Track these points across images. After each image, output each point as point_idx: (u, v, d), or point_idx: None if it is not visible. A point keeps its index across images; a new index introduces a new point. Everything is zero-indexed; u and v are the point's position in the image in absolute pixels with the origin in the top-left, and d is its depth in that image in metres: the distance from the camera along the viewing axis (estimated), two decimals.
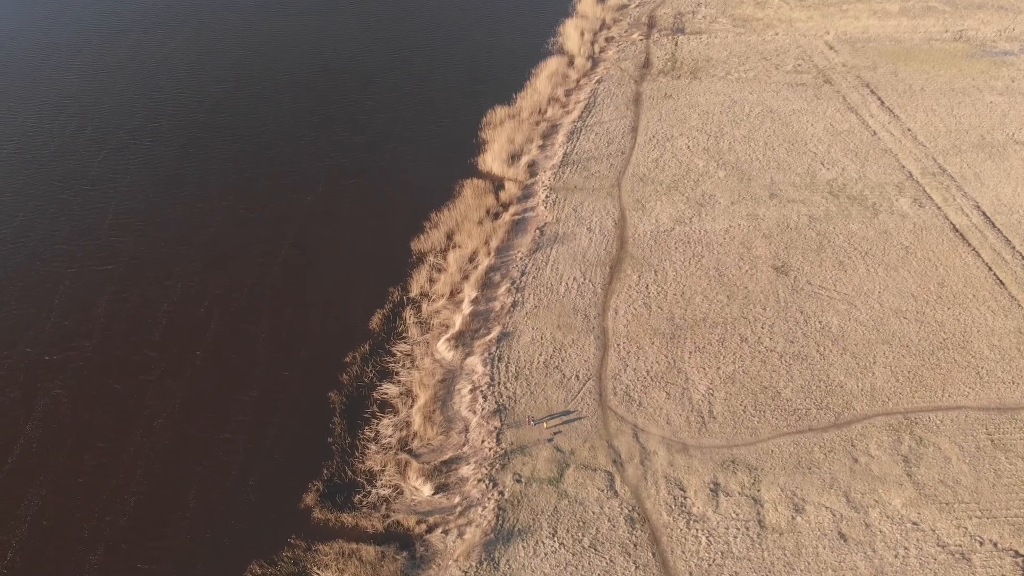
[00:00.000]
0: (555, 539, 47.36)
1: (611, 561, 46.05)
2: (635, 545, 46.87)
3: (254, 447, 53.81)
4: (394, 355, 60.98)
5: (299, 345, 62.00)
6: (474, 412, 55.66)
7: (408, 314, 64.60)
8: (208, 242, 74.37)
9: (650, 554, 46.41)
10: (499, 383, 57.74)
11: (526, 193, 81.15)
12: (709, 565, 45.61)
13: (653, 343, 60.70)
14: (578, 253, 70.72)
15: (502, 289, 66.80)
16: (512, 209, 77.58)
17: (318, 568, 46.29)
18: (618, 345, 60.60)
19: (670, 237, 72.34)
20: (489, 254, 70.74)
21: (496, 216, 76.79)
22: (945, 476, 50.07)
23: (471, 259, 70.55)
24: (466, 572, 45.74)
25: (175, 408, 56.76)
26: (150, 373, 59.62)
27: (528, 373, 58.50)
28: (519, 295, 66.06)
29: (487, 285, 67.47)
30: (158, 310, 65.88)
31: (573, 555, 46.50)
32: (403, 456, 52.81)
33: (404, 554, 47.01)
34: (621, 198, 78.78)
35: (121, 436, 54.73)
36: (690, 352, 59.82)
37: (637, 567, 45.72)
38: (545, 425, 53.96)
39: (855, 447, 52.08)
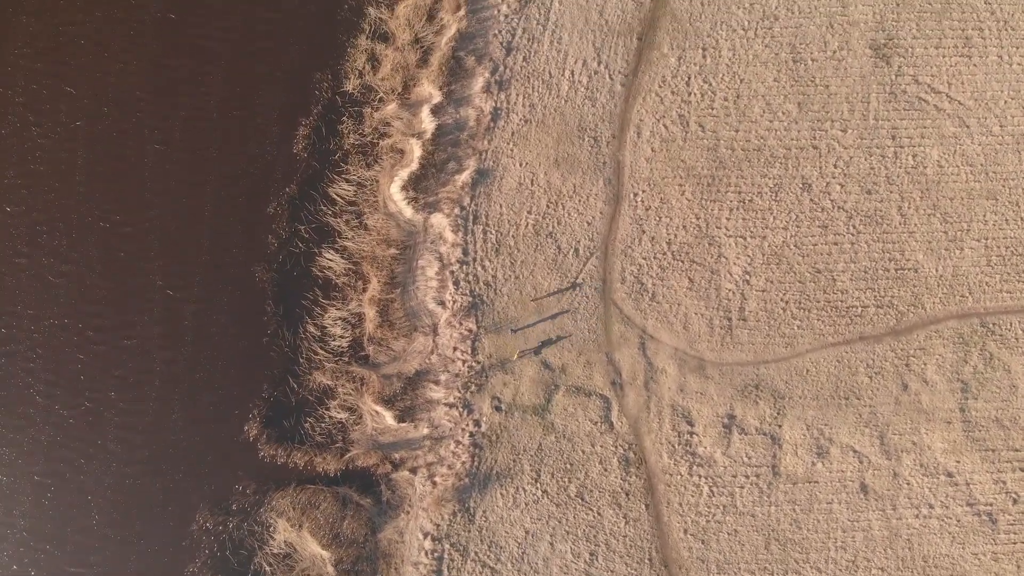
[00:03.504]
0: (538, 486, 41.77)
1: (599, 514, 41.41)
2: (627, 494, 41.62)
3: (171, 359, 43.39)
4: (333, 202, 45.15)
5: (199, 188, 45.29)
6: (443, 305, 43.68)
7: (346, 129, 45.84)
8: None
9: (643, 506, 41.54)
10: (475, 260, 44.06)
11: None
12: (707, 521, 41.24)
13: (684, 192, 44.71)
14: (593, 8, 47.15)
15: (478, 83, 46.23)
16: None
17: (275, 514, 41.74)
18: (636, 196, 44.68)
19: None
20: (459, 7, 47.10)
21: None
22: (1003, 413, 42.16)
23: (430, 15, 47.29)
24: (438, 525, 41.40)
25: (67, 309, 44.20)
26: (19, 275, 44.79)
27: (513, 243, 44.23)
28: (503, 96, 46.06)
29: (456, 74, 46.48)
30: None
31: (557, 506, 41.58)
32: (358, 369, 43.15)
33: (368, 500, 41.89)
34: None
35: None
36: (731, 209, 44.50)
37: (627, 522, 41.35)
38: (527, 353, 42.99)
39: (910, 368, 42.64)
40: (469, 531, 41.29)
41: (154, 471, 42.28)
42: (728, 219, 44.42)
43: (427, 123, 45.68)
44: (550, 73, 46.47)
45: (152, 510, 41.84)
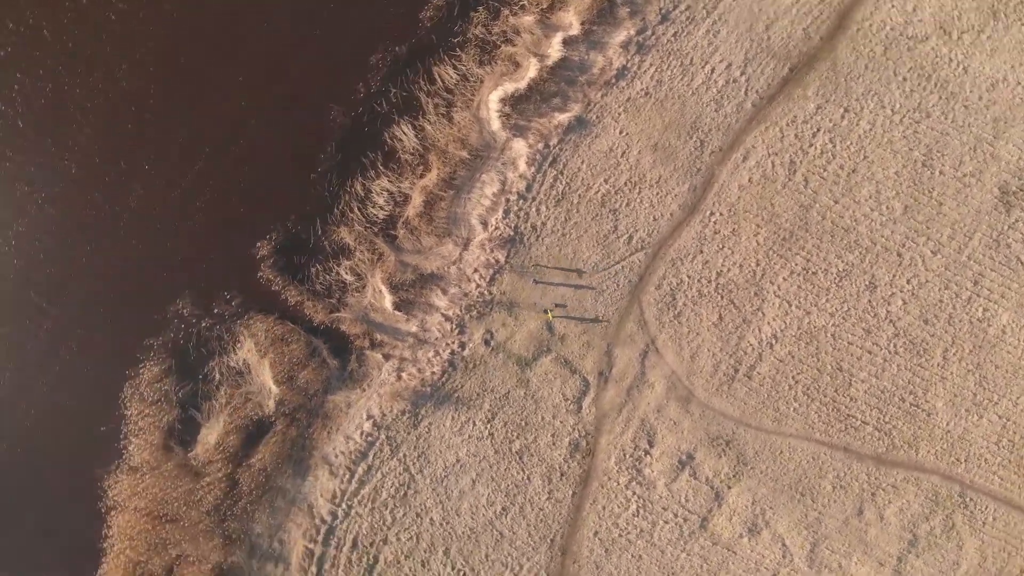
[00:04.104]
0: (488, 427, 42.40)
1: (528, 479, 42.10)
2: (562, 475, 42.18)
3: (217, 155, 43.51)
4: (433, 81, 44.43)
5: (315, 8, 44.61)
6: (485, 226, 43.46)
7: (478, 18, 44.73)
8: None
9: (570, 492, 42.12)
10: (534, 199, 43.56)
11: None
12: (620, 535, 41.84)
13: (757, 234, 43.61)
14: (762, 19, 45.14)
15: (619, 36, 44.75)
16: None
17: (247, 333, 42.71)
18: (711, 215, 43.67)
19: (915, 54, 45.11)
20: None
21: None
22: None
23: None
24: (384, 415, 42.27)
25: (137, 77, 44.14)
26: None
27: (575, 202, 43.60)
28: (637, 59, 44.64)
29: (604, 17, 44.90)
30: None
31: (495, 452, 42.28)
32: (381, 244, 43.32)
33: (335, 362, 42.74)
34: None
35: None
36: (792, 272, 43.46)
37: (549, 498, 42.04)
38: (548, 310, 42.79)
39: (874, 498, 42.27)
40: (409, 434, 42.17)
41: (158, 243, 43.16)
42: (785, 280, 43.44)
43: (554, 50, 44.47)
44: (692, 60, 44.82)
45: (141, 275, 42.96)
